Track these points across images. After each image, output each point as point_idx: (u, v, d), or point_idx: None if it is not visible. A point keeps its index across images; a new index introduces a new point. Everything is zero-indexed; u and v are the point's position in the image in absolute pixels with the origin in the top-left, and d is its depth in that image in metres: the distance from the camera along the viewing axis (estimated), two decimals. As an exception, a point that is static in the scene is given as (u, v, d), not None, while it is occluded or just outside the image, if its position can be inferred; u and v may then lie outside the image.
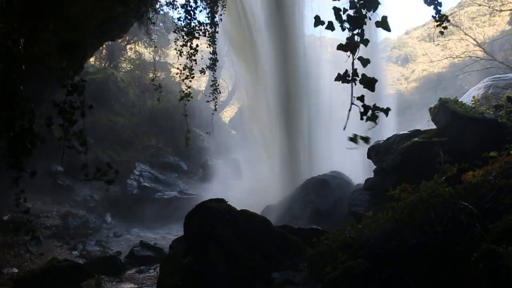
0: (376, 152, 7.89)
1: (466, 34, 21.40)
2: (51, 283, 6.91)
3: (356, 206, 7.98)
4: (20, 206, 3.37)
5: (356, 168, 10.86)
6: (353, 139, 2.47)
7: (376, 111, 2.48)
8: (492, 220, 3.51)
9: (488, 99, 6.99)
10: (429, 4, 3.85)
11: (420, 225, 3.81)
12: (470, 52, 20.49)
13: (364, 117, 2.48)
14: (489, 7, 21.82)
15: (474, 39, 21.00)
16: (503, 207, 3.66)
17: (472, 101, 6.89)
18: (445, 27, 3.80)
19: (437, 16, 3.73)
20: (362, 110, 2.48)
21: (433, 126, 7.14)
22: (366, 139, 2.48)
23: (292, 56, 13.33)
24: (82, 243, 10.51)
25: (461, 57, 20.97)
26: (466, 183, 4.06)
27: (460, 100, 7.05)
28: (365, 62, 2.48)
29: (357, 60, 2.50)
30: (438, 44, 23.69)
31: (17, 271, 8.26)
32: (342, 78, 2.53)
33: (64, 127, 3.27)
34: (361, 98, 2.45)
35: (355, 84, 2.51)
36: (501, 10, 21.19)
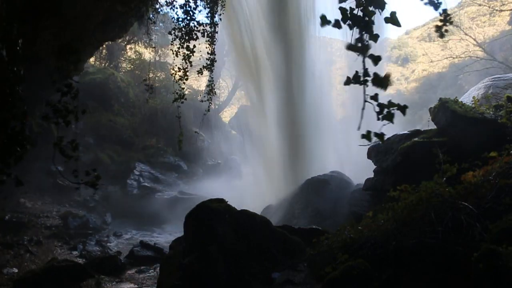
0: (376, 152, 7.90)
1: (466, 34, 21.42)
2: (51, 283, 6.90)
3: (356, 206, 7.99)
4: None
5: (356, 168, 10.85)
6: (367, 136, 2.33)
7: (392, 109, 2.33)
8: (492, 220, 3.51)
9: (488, 99, 6.98)
10: (428, 4, 3.85)
11: (420, 225, 3.81)
12: (470, 52, 20.52)
13: (380, 116, 2.33)
14: (489, 7, 21.84)
15: (474, 39, 21.02)
16: (503, 207, 3.66)
17: (472, 101, 6.88)
18: (446, 30, 3.77)
19: (442, 15, 3.68)
20: (377, 109, 2.33)
21: (433, 126, 7.14)
22: (380, 136, 2.34)
23: (294, 56, 13.34)
24: (82, 243, 10.49)
25: (461, 57, 21.00)
26: (466, 183, 4.06)
27: (460, 100, 7.05)
28: (376, 59, 2.32)
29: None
30: (434, 41, 23.63)
31: (17, 271, 8.25)
32: (354, 79, 2.38)
33: (58, 127, 3.24)
34: (375, 97, 2.32)
35: (367, 86, 2.36)
36: (501, 10, 21.20)
